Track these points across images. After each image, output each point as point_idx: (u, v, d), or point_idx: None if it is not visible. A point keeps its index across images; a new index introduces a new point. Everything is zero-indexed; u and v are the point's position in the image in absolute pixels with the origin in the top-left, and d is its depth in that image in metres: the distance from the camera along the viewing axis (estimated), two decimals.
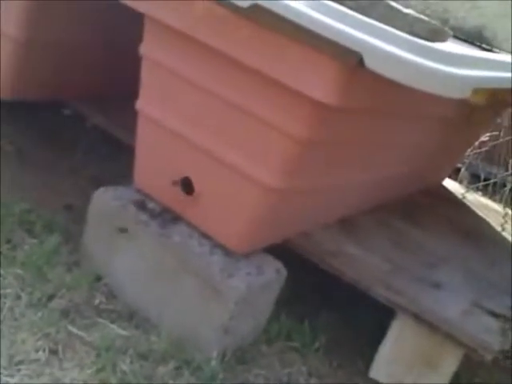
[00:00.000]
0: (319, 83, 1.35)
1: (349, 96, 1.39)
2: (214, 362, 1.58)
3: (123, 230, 1.67)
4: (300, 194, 1.66)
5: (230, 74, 1.50)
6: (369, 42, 1.26)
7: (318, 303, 1.94)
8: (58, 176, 2.16)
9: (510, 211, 2.56)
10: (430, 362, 1.73)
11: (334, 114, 1.43)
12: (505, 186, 2.81)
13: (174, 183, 1.66)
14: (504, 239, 2.30)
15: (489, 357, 1.67)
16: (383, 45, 1.25)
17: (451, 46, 1.48)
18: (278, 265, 1.70)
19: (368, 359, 1.78)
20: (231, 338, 1.63)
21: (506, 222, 2.39)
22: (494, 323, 1.76)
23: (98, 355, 1.52)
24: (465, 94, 1.26)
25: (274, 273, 1.68)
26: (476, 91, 1.29)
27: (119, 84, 1.97)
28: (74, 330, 1.57)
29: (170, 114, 1.63)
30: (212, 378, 1.56)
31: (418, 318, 1.71)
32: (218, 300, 1.58)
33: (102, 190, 1.75)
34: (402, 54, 1.24)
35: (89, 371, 1.47)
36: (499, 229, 2.35)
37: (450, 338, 1.69)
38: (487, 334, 1.71)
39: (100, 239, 1.74)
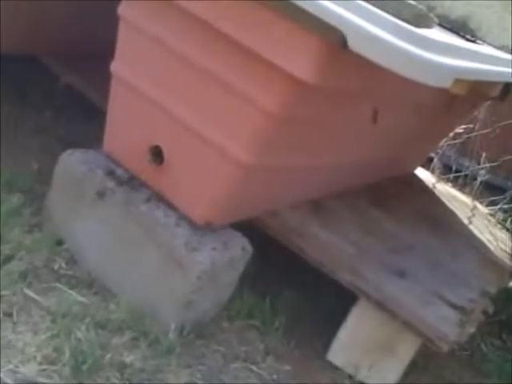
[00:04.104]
0: (300, 60, 1.33)
1: (328, 76, 1.37)
2: (171, 335, 1.56)
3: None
4: (271, 170, 1.64)
5: (210, 43, 1.46)
6: (353, 23, 1.23)
7: (281, 283, 1.93)
8: (25, 134, 2.10)
9: (478, 205, 2.58)
10: (387, 349, 1.74)
11: (312, 93, 1.40)
12: (475, 179, 2.82)
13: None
14: (470, 232, 2.31)
15: (445, 347, 1.69)
16: (368, 26, 1.23)
17: (436, 34, 1.46)
18: (244, 242, 1.68)
19: (326, 341, 1.78)
20: (191, 312, 1.61)
21: (473, 215, 2.40)
22: (453, 314, 1.77)
23: (54, 321, 1.49)
24: (446, 83, 1.24)
25: (239, 249, 1.66)
26: (457, 81, 1.27)
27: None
28: (31, 294, 1.54)
29: (145, 80, 1.59)
30: (169, 351, 1.54)
31: (379, 304, 1.72)
32: (180, 273, 1.55)
33: (68, 152, 1.70)
34: (386, 38, 1.21)
35: (43, 336, 1.44)
36: (466, 221, 2.36)
37: (409, 326, 1.70)
38: (445, 325, 1.72)
39: (64, 203, 1.70)
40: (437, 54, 1.25)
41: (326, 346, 1.78)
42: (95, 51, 1.78)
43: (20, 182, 1.83)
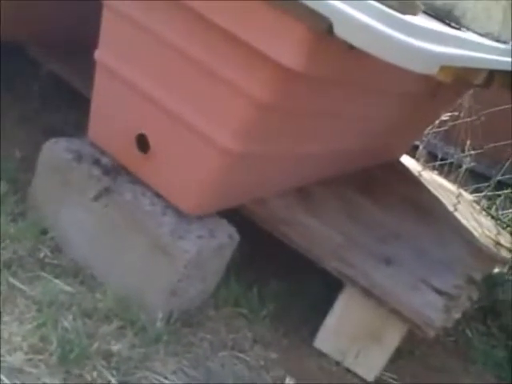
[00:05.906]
0: (286, 47, 1.32)
1: (314, 63, 1.36)
2: (158, 324, 1.56)
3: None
4: (257, 158, 1.63)
5: (196, 30, 1.44)
6: (339, 9, 1.23)
7: (268, 271, 1.93)
8: (9, 123, 2.07)
9: (463, 192, 2.60)
10: (373, 335, 1.75)
11: (298, 80, 1.40)
12: (460, 166, 2.84)
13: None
14: (456, 219, 2.33)
15: (431, 333, 1.70)
16: (354, 12, 1.22)
17: (422, 21, 1.46)
18: (231, 230, 1.68)
19: (314, 329, 1.79)
20: (178, 301, 1.61)
21: (458, 202, 2.41)
22: (439, 300, 1.79)
23: (39, 310, 1.48)
24: (432, 70, 1.24)
25: (226, 237, 1.66)
26: (443, 68, 1.28)
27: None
28: (16, 283, 1.52)
29: (129, 67, 1.57)
30: (156, 340, 1.54)
31: (366, 291, 1.73)
32: (167, 262, 1.55)
33: (53, 140, 1.68)
34: (372, 24, 1.21)
35: (29, 326, 1.43)
36: (452, 209, 2.37)
37: (396, 312, 1.71)
38: (431, 311, 1.73)
39: (48, 191, 1.68)
40: (423, 41, 1.25)
41: (314, 333, 1.79)
42: (81, 39, 1.75)
43: (4, 171, 1.81)
